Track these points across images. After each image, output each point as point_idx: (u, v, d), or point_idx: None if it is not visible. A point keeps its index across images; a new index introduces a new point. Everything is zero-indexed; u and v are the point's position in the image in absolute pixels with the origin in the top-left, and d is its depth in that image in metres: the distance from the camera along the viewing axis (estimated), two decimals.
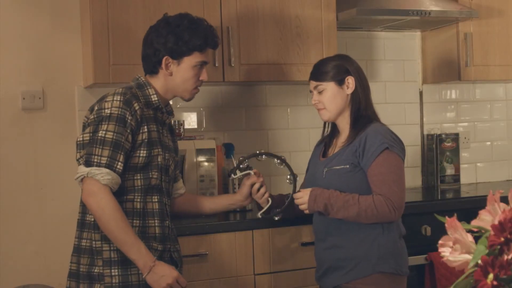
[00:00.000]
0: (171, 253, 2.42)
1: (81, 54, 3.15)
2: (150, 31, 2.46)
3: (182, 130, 3.24)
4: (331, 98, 2.54)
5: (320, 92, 2.56)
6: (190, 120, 3.42)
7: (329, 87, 2.54)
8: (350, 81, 2.54)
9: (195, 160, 3.08)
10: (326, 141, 2.67)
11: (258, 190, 2.63)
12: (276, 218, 2.68)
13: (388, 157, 2.42)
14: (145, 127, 2.33)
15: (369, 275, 2.45)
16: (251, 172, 2.63)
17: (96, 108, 2.34)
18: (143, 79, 2.44)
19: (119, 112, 2.28)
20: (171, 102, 3.31)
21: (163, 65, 2.40)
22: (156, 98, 2.40)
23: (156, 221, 2.36)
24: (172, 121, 3.18)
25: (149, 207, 2.36)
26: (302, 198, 2.51)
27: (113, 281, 2.27)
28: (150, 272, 2.24)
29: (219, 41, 2.54)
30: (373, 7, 3.33)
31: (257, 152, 2.68)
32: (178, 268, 2.42)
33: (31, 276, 3.01)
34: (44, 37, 3.14)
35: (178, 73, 2.42)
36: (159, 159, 2.37)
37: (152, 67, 2.43)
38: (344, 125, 2.58)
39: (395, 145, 2.46)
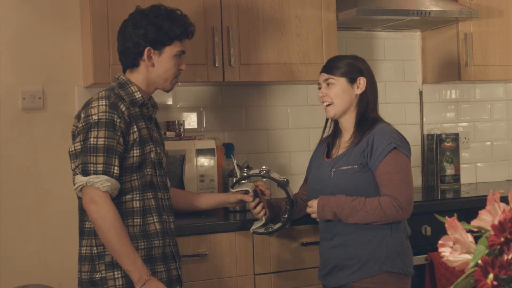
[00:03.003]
0: (171, 247, 2.42)
1: (81, 54, 3.15)
2: (126, 24, 2.43)
3: (182, 130, 3.24)
4: (340, 93, 2.54)
5: (329, 85, 2.56)
6: (190, 120, 3.42)
7: (339, 82, 2.55)
8: (362, 82, 2.55)
9: (195, 160, 3.08)
10: (329, 141, 2.67)
11: (255, 207, 2.63)
12: (269, 235, 2.70)
13: (395, 157, 2.43)
14: (135, 126, 2.32)
15: (376, 274, 2.45)
16: (250, 190, 2.62)
17: (83, 115, 2.31)
18: (123, 78, 2.42)
19: (107, 117, 2.26)
20: (170, 102, 3.35)
21: (145, 57, 2.39)
22: (140, 95, 2.39)
23: (154, 217, 2.36)
24: (172, 121, 3.21)
25: (146, 204, 2.36)
26: (312, 208, 2.54)
27: (117, 283, 2.27)
28: (144, 286, 2.23)
29: (195, 30, 2.53)
30: (373, 7, 3.33)
31: (260, 170, 2.62)
32: (177, 264, 2.43)
33: (31, 276, 3.00)
34: (44, 37, 3.13)
35: (160, 64, 2.41)
36: (152, 156, 2.36)
37: (132, 59, 2.41)
38: (348, 125, 2.58)
39: (402, 144, 2.48)
